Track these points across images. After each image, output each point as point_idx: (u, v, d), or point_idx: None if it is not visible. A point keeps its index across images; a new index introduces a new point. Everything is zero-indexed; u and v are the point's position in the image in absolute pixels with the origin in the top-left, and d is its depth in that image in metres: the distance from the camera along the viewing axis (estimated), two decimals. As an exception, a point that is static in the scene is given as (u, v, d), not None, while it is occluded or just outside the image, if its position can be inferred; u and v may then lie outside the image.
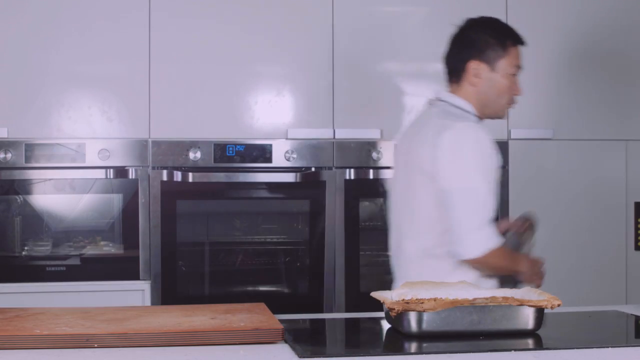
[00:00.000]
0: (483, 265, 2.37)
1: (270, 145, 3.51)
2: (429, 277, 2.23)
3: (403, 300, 2.02)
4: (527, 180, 3.66)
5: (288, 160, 3.50)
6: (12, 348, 1.86)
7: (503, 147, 3.64)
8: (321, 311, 3.48)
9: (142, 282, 3.42)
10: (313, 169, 3.51)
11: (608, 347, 1.91)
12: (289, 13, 3.55)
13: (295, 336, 2.00)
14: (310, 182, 3.50)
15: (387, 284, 3.44)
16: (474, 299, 1.98)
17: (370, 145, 3.55)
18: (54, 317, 2.08)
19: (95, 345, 1.87)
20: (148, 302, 3.41)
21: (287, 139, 3.52)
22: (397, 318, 1.99)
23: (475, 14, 3.65)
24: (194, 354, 1.82)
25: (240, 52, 3.52)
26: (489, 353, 1.84)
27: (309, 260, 3.53)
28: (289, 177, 3.50)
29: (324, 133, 3.53)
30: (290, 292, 3.58)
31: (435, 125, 2.42)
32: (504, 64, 2.51)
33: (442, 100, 2.51)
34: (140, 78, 3.45)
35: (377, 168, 3.54)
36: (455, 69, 2.52)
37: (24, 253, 3.42)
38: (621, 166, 3.74)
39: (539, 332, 2.03)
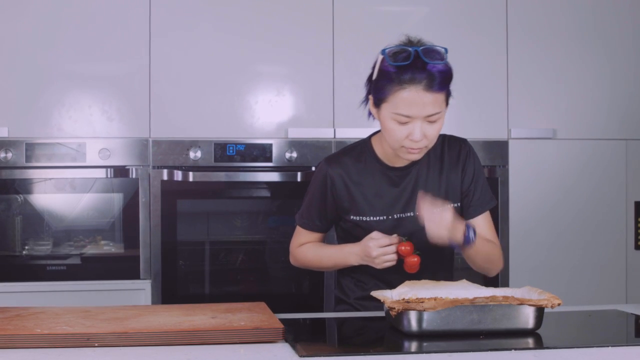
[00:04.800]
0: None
1: (271, 144, 3.51)
2: None
3: (403, 299, 2.02)
4: (527, 180, 3.66)
5: (288, 159, 3.51)
6: (12, 347, 1.86)
7: (503, 146, 3.64)
8: (321, 310, 3.48)
9: (143, 281, 3.43)
10: (313, 169, 3.51)
11: (608, 346, 1.91)
12: (289, 12, 3.55)
13: (295, 335, 2.00)
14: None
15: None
16: (474, 298, 1.98)
17: (370, 145, 3.55)
18: (55, 317, 2.08)
19: (96, 345, 1.87)
20: (149, 301, 3.41)
21: (287, 138, 3.52)
22: (398, 317, 1.99)
23: (475, 13, 3.67)
24: (194, 353, 1.82)
25: (240, 52, 3.52)
26: (489, 352, 1.84)
27: (310, 259, 3.53)
28: (290, 177, 3.50)
29: (325, 132, 3.54)
30: (291, 291, 3.59)
31: None
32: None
33: None
34: (141, 77, 3.46)
35: (378, 167, 3.54)
36: None
37: (24, 252, 3.42)
38: (621, 166, 3.74)
39: (539, 331, 2.03)
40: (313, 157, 3.52)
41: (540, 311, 2.02)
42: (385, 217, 2.34)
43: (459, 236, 2.22)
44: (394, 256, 2.24)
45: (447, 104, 2.22)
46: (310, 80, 3.57)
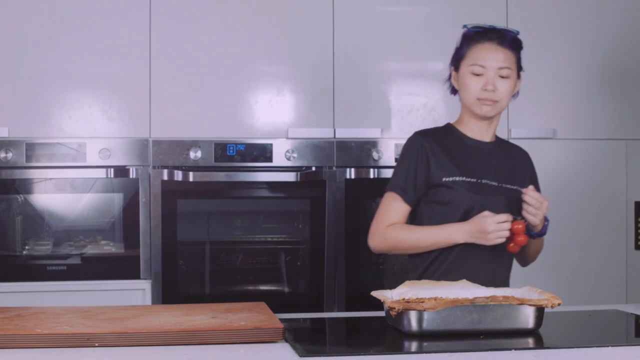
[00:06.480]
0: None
1: (271, 144, 3.51)
2: None
3: (403, 299, 2.02)
4: (527, 180, 3.66)
5: (288, 159, 3.51)
6: (13, 347, 1.86)
7: (503, 146, 3.64)
8: (321, 310, 3.48)
9: (143, 281, 3.43)
10: (313, 169, 3.51)
11: (608, 346, 1.91)
12: (289, 12, 3.55)
13: (295, 335, 2.00)
14: (310, 182, 3.50)
15: (387, 283, 3.44)
16: (474, 298, 1.98)
17: (370, 145, 3.55)
18: (55, 316, 2.08)
19: (96, 344, 1.87)
20: (149, 301, 3.41)
21: (287, 138, 3.52)
22: (398, 317, 1.99)
23: (475, 13, 3.67)
24: (194, 353, 1.82)
25: (241, 52, 3.52)
26: (489, 352, 1.84)
27: (310, 259, 3.54)
28: (290, 177, 3.50)
29: (325, 132, 3.54)
30: (291, 291, 3.59)
31: None
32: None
33: None
34: (141, 77, 3.46)
35: (378, 167, 3.54)
36: None
37: (24, 252, 3.43)
38: (621, 166, 3.74)
39: (539, 331, 2.03)
40: (313, 157, 3.52)
41: (540, 311, 2.02)
42: (475, 180, 2.48)
43: (540, 225, 2.44)
44: (508, 232, 2.36)
45: (518, 73, 2.56)
46: (310, 80, 3.57)
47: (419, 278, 2.46)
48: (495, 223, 2.33)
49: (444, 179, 2.46)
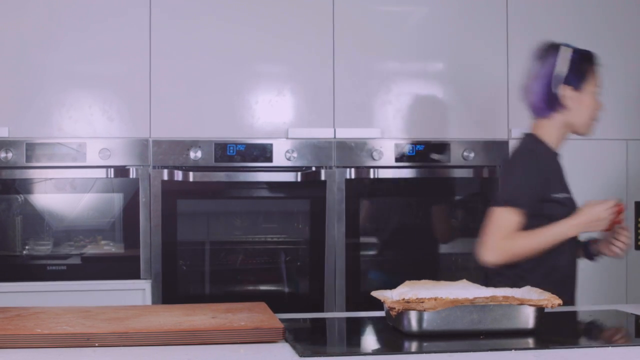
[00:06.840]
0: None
1: (271, 144, 3.51)
2: None
3: (403, 299, 2.02)
4: (527, 180, 3.66)
5: (289, 159, 3.51)
6: (13, 347, 1.86)
7: (503, 146, 3.64)
8: (322, 310, 3.48)
9: (143, 281, 3.43)
10: (314, 169, 3.51)
11: (608, 346, 1.91)
12: (289, 12, 3.55)
13: (296, 335, 2.00)
14: (310, 182, 3.50)
15: (387, 283, 3.43)
16: (474, 298, 1.98)
17: (370, 145, 3.55)
18: (55, 316, 2.08)
19: (96, 344, 1.87)
20: (149, 302, 3.41)
21: (287, 138, 3.52)
22: (398, 317, 1.99)
23: (475, 13, 3.67)
24: (194, 353, 1.82)
25: (241, 52, 3.52)
26: (489, 352, 1.84)
27: (310, 259, 3.54)
28: (290, 177, 3.50)
29: (325, 132, 3.54)
30: (291, 291, 3.59)
31: None
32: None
33: None
34: (141, 77, 3.46)
35: (378, 167, 3.54)
36: None
37: (24, 252, 3.43)
38: (621, 166, 3.74)
39: (539, 331, 2.03)
40: (313, 157, 3.52)
41: (540, 311, 2.02)
42: (569, 195, 2.63)
43: None
44: (614, 216, 2.56)
45: None
46: (310, 80, 3.57)
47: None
48: (608, 209, 2.52)
49: (553, 195, 2.58)
